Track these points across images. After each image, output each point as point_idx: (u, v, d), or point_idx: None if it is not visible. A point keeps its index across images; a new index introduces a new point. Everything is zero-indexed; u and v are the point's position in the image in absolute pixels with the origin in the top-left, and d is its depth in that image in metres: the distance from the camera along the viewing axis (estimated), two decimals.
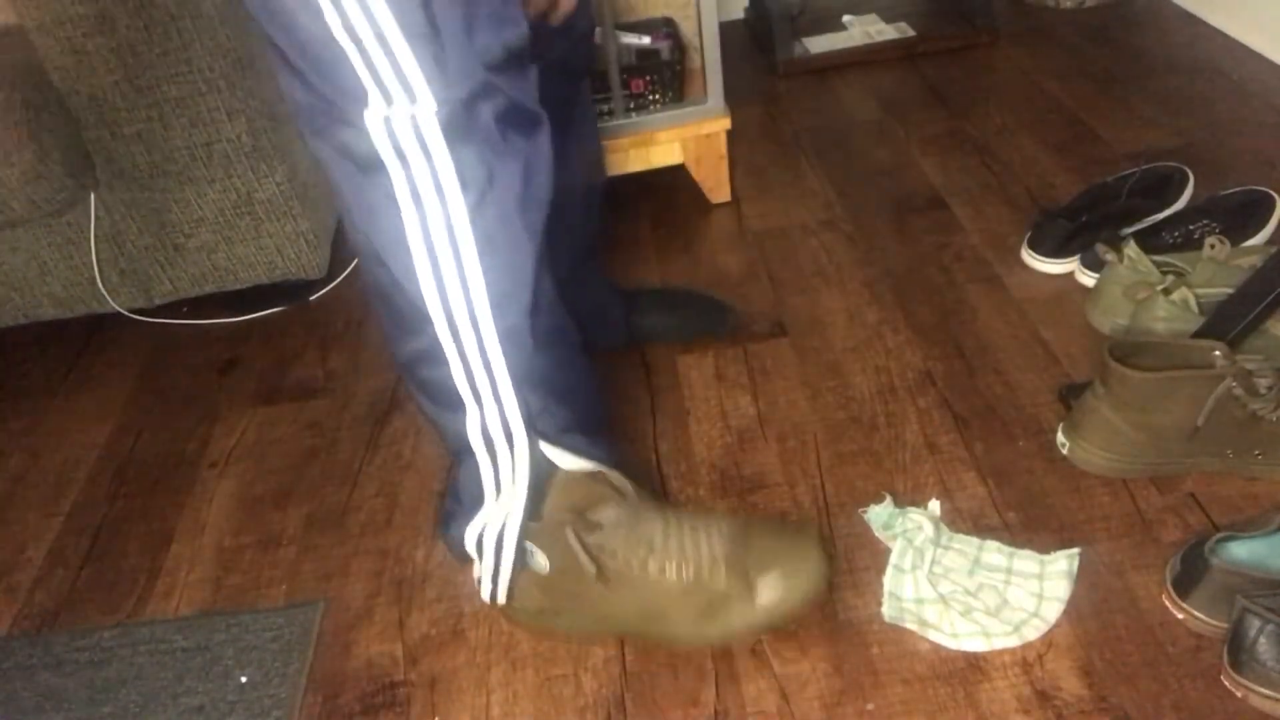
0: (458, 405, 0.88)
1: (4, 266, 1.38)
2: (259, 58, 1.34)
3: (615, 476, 0.92)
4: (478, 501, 0.93)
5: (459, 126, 0.77)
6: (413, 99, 0.74)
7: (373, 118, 0.75)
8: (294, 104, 0.81)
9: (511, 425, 0.88)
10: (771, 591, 0.88)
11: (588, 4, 1.10)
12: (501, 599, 0.95)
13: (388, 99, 0.74)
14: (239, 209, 1.37)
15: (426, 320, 0.83)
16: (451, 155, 0.77)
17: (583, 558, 0.88)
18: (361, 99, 0.75)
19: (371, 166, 0.78)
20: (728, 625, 0.90)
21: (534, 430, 0.89)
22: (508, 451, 0.90)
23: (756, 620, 0.89)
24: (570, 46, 1.06)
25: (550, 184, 0.85)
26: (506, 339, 0.85)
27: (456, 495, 1.00)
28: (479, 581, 0.97)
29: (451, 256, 0.81)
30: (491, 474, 0.91)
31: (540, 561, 0.92)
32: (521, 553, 0.92)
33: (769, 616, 0.89)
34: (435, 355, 0.85)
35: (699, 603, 0.89)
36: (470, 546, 0.96)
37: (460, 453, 0.93)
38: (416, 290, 0.82)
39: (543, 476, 0.91)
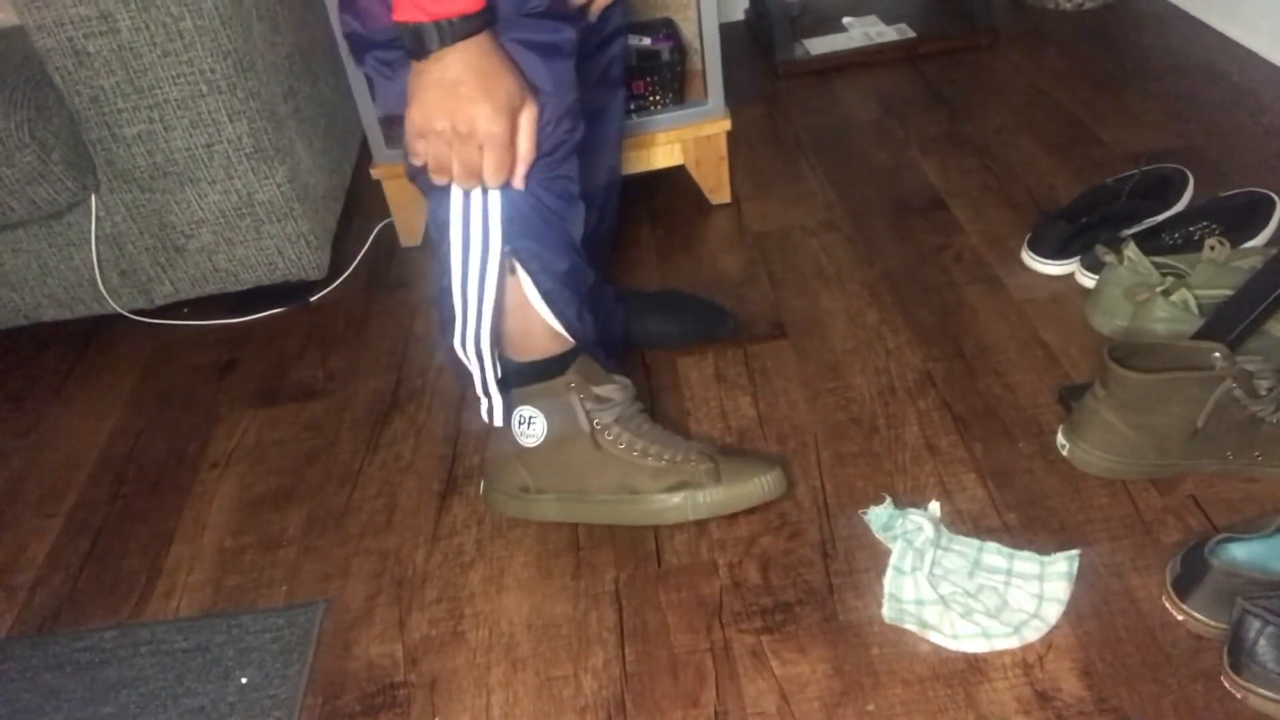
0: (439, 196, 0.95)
1: (4, 267, 1.38)
2: (260, 59, 1.34)
3: (622, 379, 1.05)
4: (453, 318, 1.00)
5: None
6: None
7: None
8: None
9: (490, 228, 0.94)
10: (737, 487, 1.03)
11: (622, 7, 1.13)
12: (499, 420, 1.06)
13: None
14: (240, 210, 1.37)
15: None
16: None
17: (581, 416, 1.02)
18: None
19: None
20: (694, 501, 1.03)
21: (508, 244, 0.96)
22: (480, 252, 0.96)
23: (716, 502, 1.03)
24: (611, 57, 1.15)
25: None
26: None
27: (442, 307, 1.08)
28: (480, 405, 1.06)
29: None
30: (460, 279, 0.97)
31: (537, 428, 1.03)
32: (496, 365, 1.03)
33: (728, 502, 1.03)
34: None
35: (669, 481, 1.03)
36: (461, 356, 1.03)
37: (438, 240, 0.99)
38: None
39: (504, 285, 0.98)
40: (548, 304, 1.00)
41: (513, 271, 0.97)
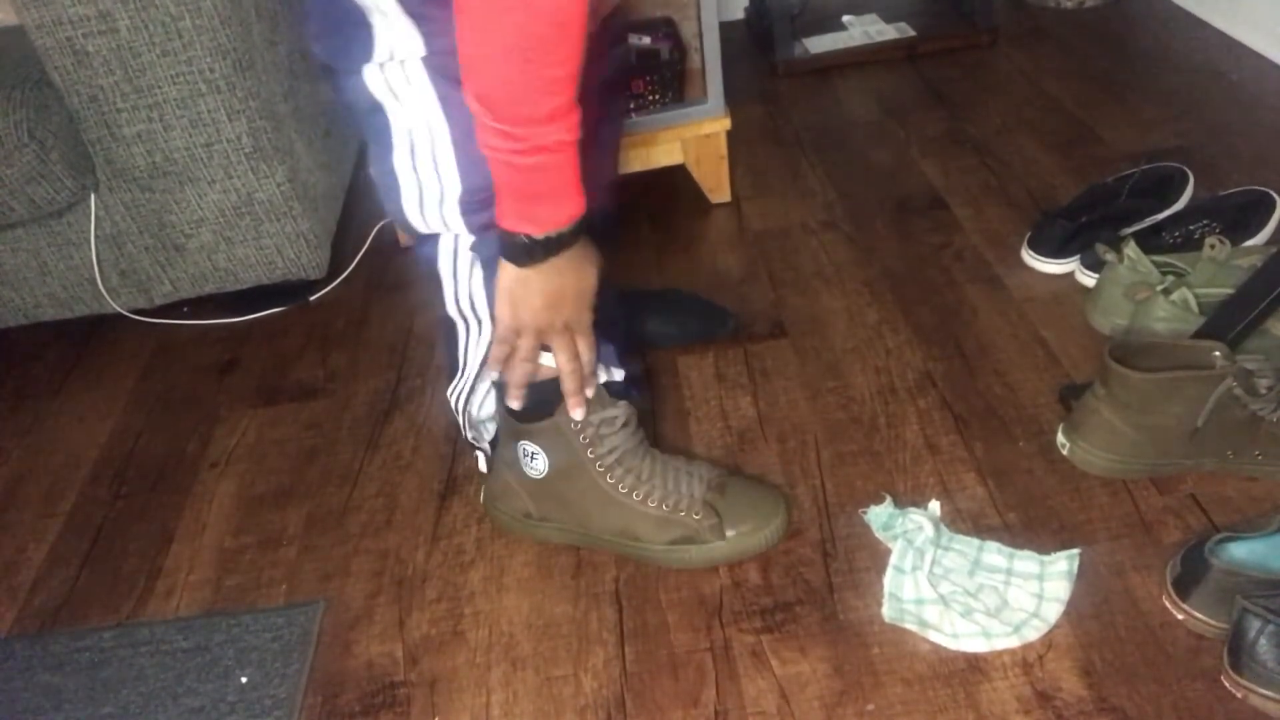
0: (440, 283, 0.97)
1: (4, 267, 1.38)
2: (259, 58, 1.34)
3: (623, 405, 1.00)
4: (457, 367, 1.02)
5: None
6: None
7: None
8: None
9: (476, 305, 0.95)
10: (739, 539, 1.00)
11: (623, 12, 1.14)
12: (483, 467, 1.09)
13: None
14: (239, 210, 1.37)
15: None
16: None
17: (583, 457, 0.99)
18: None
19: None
20: (691, 558, 1.01)
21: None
22: (476, 327, 0.97)
23: (720, 556, 1.00)
24: (614, 62, 1.13)
25: None
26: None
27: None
28: (475, 456, 1.09)
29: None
30: (463, 344, 0.99)
31: (539, 464, 1.01)
32: (474, 419, 1.05)
33: (729, 556, 1.00)
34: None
35: (673, 534, 1.00)
36: (451, 405, 1.05)
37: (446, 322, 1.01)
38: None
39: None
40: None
41: None
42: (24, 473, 1.28)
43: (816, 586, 0.98)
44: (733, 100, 1.53)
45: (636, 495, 1.00)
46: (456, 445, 1.21)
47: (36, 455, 1.31)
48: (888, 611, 0.93)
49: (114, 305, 1.43)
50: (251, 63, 1.31)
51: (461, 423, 1.05)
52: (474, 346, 0.98)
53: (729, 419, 1.19)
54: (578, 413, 0.96)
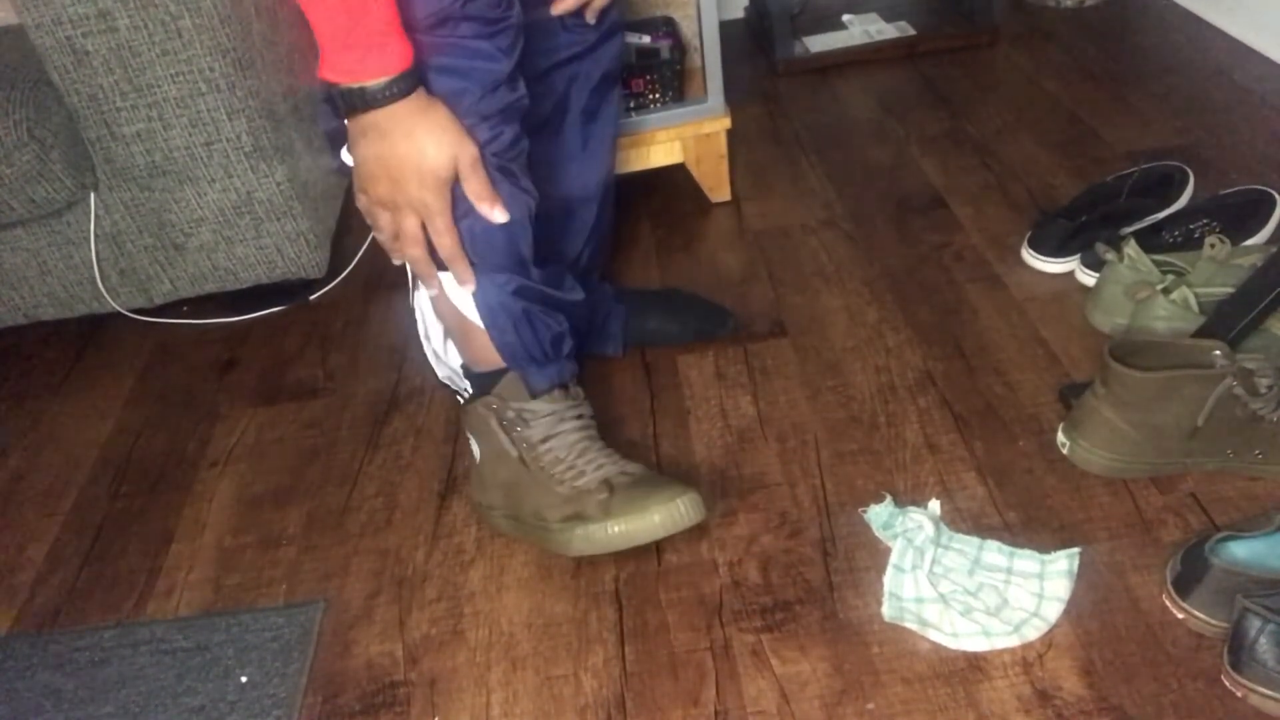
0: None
1: (3, 266, 1.38)
2: (259, 57, 1.34)
3: (547, 401, 1.01)
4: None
5: None
6: None
7: None
8: None
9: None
10: (621, 526, 0.97)
11: (618, 7, 1.14)
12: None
13: None
14: (239, 209, 1.37)
15: None
16: None
17: (503, 438, 1.00)
18: None
19: None
20: (582, 536, 0.98)
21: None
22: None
23: (601, 541, 0.98)
24: (612, 54, 1.16)
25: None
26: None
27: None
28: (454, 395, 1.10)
29: None
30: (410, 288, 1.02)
31: (475, 451, 1.03)
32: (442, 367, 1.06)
33: (611, 543, 0.98)
34: None
35: (568, 511, 0.99)
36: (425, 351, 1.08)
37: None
38: None
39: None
40: (485, 322, 0.98)
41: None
42: (24, 473, 1.28)
43: (816, 586, 0.98)
44: (733, 99, 1.53)
45: (554, 473, 1.00)
46: (456, 445, 1.21)
47: (36, 455, 1.31)
48: (888, 610, 0.93)
49: (114, 305, 1.43)
50: (251, 62, 1.31)
51: (433, 363, 1.07)
52: (414, 290, 0.99)
53: (729, 418, 1.19)
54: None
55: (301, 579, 1.07)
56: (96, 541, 1.16)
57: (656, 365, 1.28)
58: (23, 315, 1.44)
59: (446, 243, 0.90)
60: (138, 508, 1.20)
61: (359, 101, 0.82)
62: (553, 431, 1.01)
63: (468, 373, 1.06)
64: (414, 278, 0.98)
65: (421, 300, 1.03)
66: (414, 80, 0.83)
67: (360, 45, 0.80)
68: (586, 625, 0.98)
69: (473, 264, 0.94)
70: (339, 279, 1.54)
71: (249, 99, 1.29)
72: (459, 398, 1.10)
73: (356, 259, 1.58)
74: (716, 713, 0.89)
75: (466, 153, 0.87)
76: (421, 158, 0.85)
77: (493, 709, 0.92)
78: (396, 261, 0.96)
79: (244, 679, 0.97)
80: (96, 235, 1.37)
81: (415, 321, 1.09)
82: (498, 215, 0.90)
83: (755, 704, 0.89)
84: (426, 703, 0.93)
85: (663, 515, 0.96)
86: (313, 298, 1.52)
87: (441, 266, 0.95)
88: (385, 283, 1.53)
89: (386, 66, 0.81)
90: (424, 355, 1.13)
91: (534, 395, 1.01)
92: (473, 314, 0.98)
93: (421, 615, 1.01)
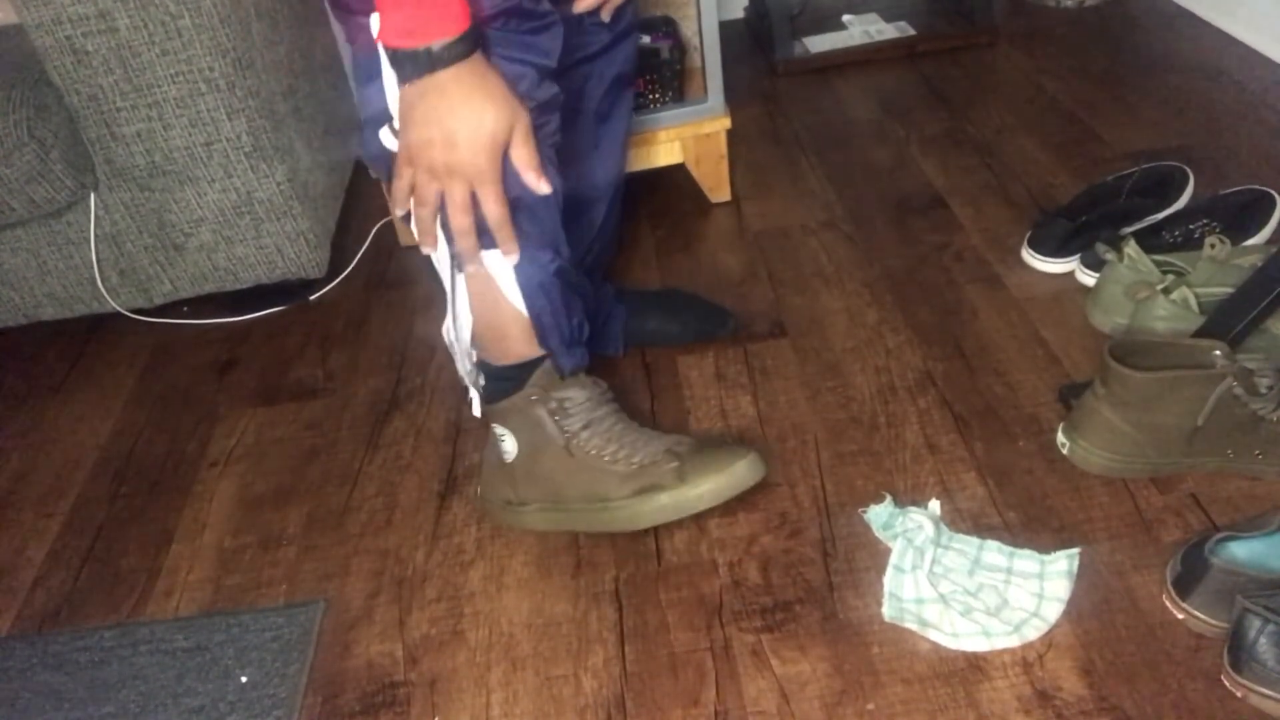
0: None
1: (4, 266, 1.38)
2: (259, 57, 1.34)
3: (580, 383, 1.02)
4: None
5: None
6: None
7: None
8: None
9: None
10: (705, 483, 1.01)
11: (633, 6, 1.14)
12: (477, 411, 1.05)
13: None
14: (239, 209, 1.37)
15: None
16: None
17: (550, 427, 1.01)
18: None
19: None
20: (659, 505, 1.01)
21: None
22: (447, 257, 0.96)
23: (685, 504, 1.01)
24: (627, 54, 1.16)
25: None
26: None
27: None
28: (469, 395, 1.05)
29: None
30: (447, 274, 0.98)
31: (509, 445, 1.03)
32: (471, 354, 1.02)
33: (696, 505, 1.01)
34: None
35: (636, 485, 1.01)
36: (447, 340, 1.04)
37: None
38: None
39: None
40: (527, 301, 0.97)
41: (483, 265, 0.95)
42: (24, 473, 1.28)
43: (816, 586, 0.98)
44: (733, 100, 1.53)
45: (605, 456, 1.02)
46: (456, 445, 1.21)
47: (36, 455, 1.31)
48: (888, 611, 0.93)
49: (114, 305, 1.43)
50: (251, 61, 1.31)
51: (456, 355, 1.03)
52: (447, 268, 0.96)
53: (729, 419, 1.19)
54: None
55: (301, 579, 1.07)
56: (96, 541, 1.16)
57: (656, 365, 1.28)
58: (23, 315, 1.44)
59: (496, 211, 0.89)
60: (138, 508, 1.20)
61: (422, 63, 0.81)
62: (591, 417, 1.02)
63: (486, 369, 1.05)
64: (451, 262, 0.95)
65: (458, 290, 0.99)
66: (474, 42, 0.83)
67: (424, 5, 0.79)
68: (586, 625, 0.98)
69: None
70: (339, 279, 1.54)
71: (249, 99, 1.29)
72: (472, 395, 1.07)
73: (357, 259, 1.58)
74: (716, 713, 0.89)
75: (521, 119, 0.86)
76: (480, 120, 0.84)
77: (493, 709, 0.92)
78: (427, 249, 0.94)
79: (244, 679, 0.97)
80: (96, 235, 1.37)
81: (446, 308, 1.04)
82: (544, 186, 0.90)
83: (755, 704, 0.89)
84: (426, 703, 0.93)
85: (742, 468, 1.02)
86: (313, 298, 1.52)
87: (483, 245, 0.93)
88: (385, 283, 1.53)
89: (448, 27, 0.81)
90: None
91: (562, 377, 1.02)
92: (511, 293, 0.96)
93: (421, 615, 1.01)
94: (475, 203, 0.88)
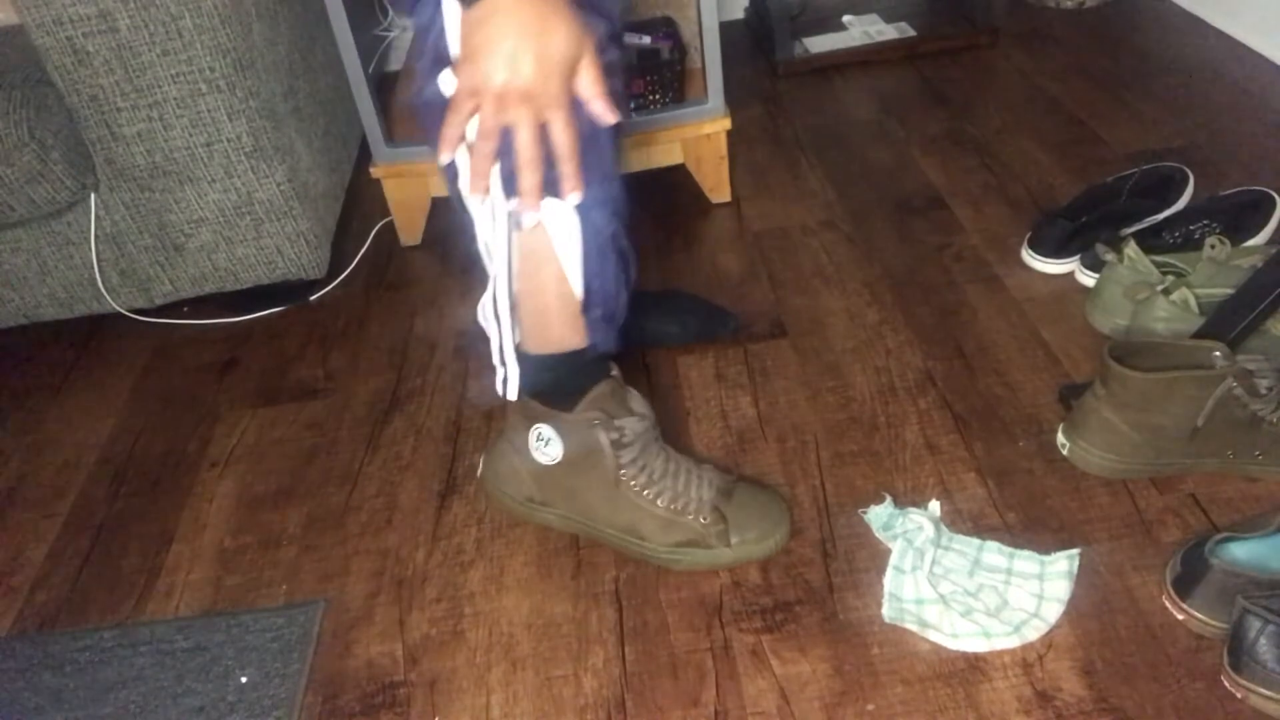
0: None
1: (4, 266, 1.38)
2: (259, 58, 1.34)
3: (637, 398, 1.01)
4: (486, 280, 0.94)
5: None
6: None
7: None
8: None
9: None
10: (743, 546, 1.00)
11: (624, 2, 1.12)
12: (512, 394, 0.97)
13: None
14: (239, 209, 1.37)
15: None
16: None
17: (609, 456, 0.98)
18: None
19: None
20: (695, 560, 1.01)
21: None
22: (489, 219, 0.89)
23: (720, 563, 1.01)
24: (618, 52, 1.10)
25: None
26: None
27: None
28: (495, 376, 0.97)
29: None
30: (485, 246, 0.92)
31: (553, 450, 1.00)
32: (516, 329, 0.96)
33: (733, 563, 1.01)
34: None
35: (677, 537, 1.00)
36: (483, 319, 0.96)
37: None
38: None
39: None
40: (585, 257, 0.91)
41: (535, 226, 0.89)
42: (24, 473, 1.28)
43: (816, 586, 0.98)
44: (733, 100, 1.53)
45: (647, 494, 1.00)
46: (456, 445, 1.21)
47: (36, 455, 1.31)
48: (888, 611, 0.93)
49: (114, 305, 1.43)
50: (251, 62, 1.31)
51: (499, 331, 0.95)
52: (501, 225, 0.88)
53: (729, 419, 1.19)
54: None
55: (301, 579, 1.07)
56: (96, 542, 1.16)
57: (656, 366, 1.28)
58: (23, 315, 1.44)
59: (566, 139, 0.83)
60: (138, 508, 1.20)
61: None
62: (644, 451, 1.00)
63: (523, 357, 0.98)
64: (502, 222, 0.88)
65: (508, 256, 0.92)
66: None
67: None
68: (586, 625, 0.98)
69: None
70: (339, 279, 1.54)
71: (249, 99, 1.30)
72: (507, 377, 0.97)
73: (357, 260, 1.58)
74: (716, 713, 0.89)
75: (589, 44, 0.82)
76: (550, 41, 0.80)
77: (493, 709, 0.92)
78: (478, 193, 0.86)
79: (244, 679, 0.97)
80: (97, 235, 1.37)
81: (487, 282, 0.95)
82: (609, 115, 0.85)
83: (755, 704, 0.89)
84: (426, 703, 0.93)
85: (781, 537, 1.01)
86: (313, 298, 1.52)
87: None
88: (385, 283, 1.53)
89: None
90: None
91: (596, 353, 0.98)
92: (566, 253, 0.91)
93: (421, 615, 1.01)
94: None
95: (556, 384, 0.99)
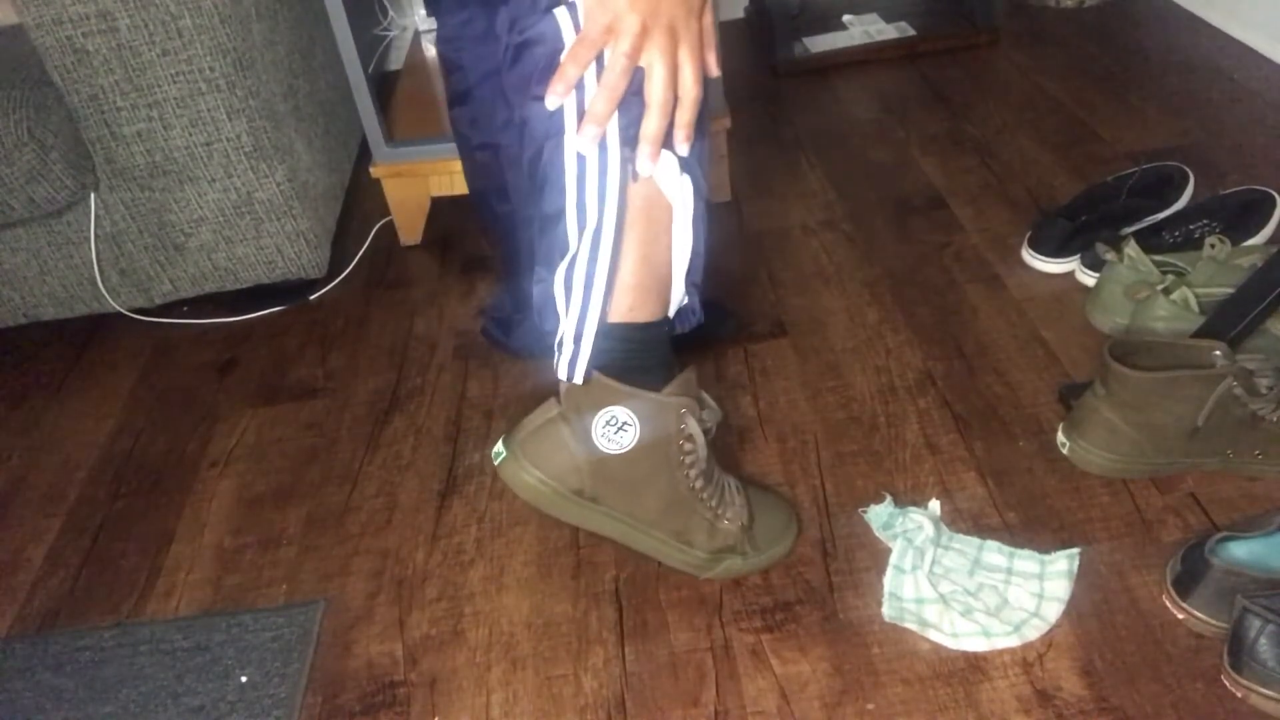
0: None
1: (4, 266, 1.38)
2: (259, 57, 1.34)
3: (711, 403, 0.97)
4: (565, 248, 0.88)
5: None
6: None
7: None
8: None
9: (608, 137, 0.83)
10: (769, 550, 1.00)
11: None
12: (579, 377, 0.88)
13: None
14: (239, 209, 1.37)
15: None
16: None
17: (686, 446, 0.92)
18: None
19: None
20: (729, 568, 0.99)
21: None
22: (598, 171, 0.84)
23: (754, 569, 1.00)
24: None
25: None
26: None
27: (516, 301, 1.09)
28: (559, 356, 0.89)
29: None
30: (576, 205, 0.85)
31: (625, 439, 0.89)
32: (605, 304, 0.87)
33: (762, 568, 1.00)
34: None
35: (718, 544, 0.97)
36: (558, 291, 0.88)
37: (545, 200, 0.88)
38: None
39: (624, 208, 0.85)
40: (693, 211, 0.86)
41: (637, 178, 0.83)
42: (24, 473, 1.28)
43: (816, 586, 0.98)
44: (732, 100, 1.53)
45: (705, 495, 0.95)
46: (456, 445, 1.21)
47: (36, 455, 1.31)
48: (888, 611, 0.93)
49: (114, 304, 1.43)
50: (251, 62, 1.31)
51: (584, 302, 0.87)
52: (602, 182, 0.82)
53: (729, 419, 1.19)
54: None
55: (301, 579, 1.07)
56: (96, 541, 1.16)
57: None
58: (23, 315, 1.44)
59: (693, 73, 0.79)
60: (138, 508, 1.20)
61: None
62: (705, 453, 0.94)
63: (602, 326, 0.88)
64: (614, 174, 0.82)
65: (614, 215, 0.85)
66: None
67: None
68: (586, 625, 0.98)
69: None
70: (339, 279, 1.54)
71: (249, 99, 1.30)
72: (577, 355, 0.88)
73: (357, 259, 1.58)
74: (716, 713, 0.89)
75: None
76: None
77: (493, 709, 0.92)
78: (591, 138, 0.80)
79: (244, 679, 0.97)
80: (96, 235, 1.37)
81: (573, 246, 0.87)
82: (715, 66, 0.83)
83: (755, 704, 0.89)
84: (426, 703, 0.93)
85: (792, 542, 1.02)
86: (313, 298, 1.52)
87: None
88: (385, 283, 1.53)
89: None
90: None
91: (674, 329, 0.95)
92: (678, 205, 0.86)
93: (421, 615, 1.01)
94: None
95: (629, 360, 0.89)
